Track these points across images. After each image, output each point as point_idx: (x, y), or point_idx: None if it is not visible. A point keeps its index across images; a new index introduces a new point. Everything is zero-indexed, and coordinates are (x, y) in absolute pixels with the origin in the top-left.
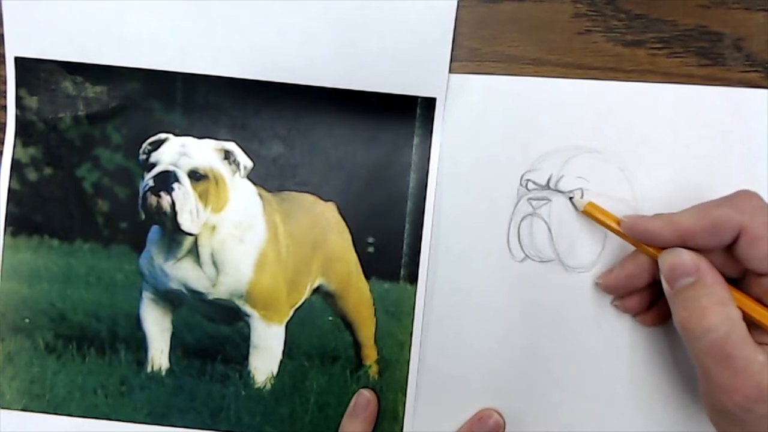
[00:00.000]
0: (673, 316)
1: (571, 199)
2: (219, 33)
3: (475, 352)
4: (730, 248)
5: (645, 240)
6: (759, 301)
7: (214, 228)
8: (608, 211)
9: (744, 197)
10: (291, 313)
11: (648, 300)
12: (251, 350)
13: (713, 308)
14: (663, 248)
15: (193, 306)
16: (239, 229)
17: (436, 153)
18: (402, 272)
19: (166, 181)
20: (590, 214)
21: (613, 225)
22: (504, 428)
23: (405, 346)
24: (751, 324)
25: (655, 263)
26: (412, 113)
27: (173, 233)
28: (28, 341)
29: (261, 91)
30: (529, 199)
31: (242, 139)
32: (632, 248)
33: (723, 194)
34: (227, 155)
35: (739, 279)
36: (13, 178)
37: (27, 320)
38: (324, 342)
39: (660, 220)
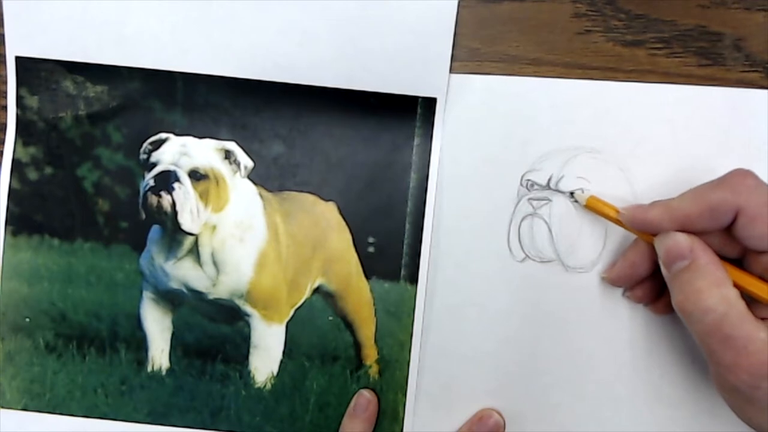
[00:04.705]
0: (672, 300)
1: (572, 194)
2: (219, 33)
3: (475, 352)
4: (728, 229)
5: (645, 229)
6: (761, 279)
7: (214, 228)
8: (609, 203)
9: (739, 177)
10: (291, 312)
11: (656, 288)
12: (251, 350)
13: (709, 290)
14: None
15: (194, 306)
16: (240, 229)
17: (437, 153)
18: (402, 272)
19: (167, 180)
20: (593, 209)
21: (615, 216)
22: (504, 428)
23: (405, 346)
24: (754, 300)
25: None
26: (412, 113)
27: (174, 233)
28: (29, 340)
29: (261, 91)
30: (529, 199)
31: (243, 139)
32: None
33: None
34: (228, 155)
35: (739, 258)
36: (13, 178)
37: (27, 319)
38: (324, 342)
39: (657, 208)
